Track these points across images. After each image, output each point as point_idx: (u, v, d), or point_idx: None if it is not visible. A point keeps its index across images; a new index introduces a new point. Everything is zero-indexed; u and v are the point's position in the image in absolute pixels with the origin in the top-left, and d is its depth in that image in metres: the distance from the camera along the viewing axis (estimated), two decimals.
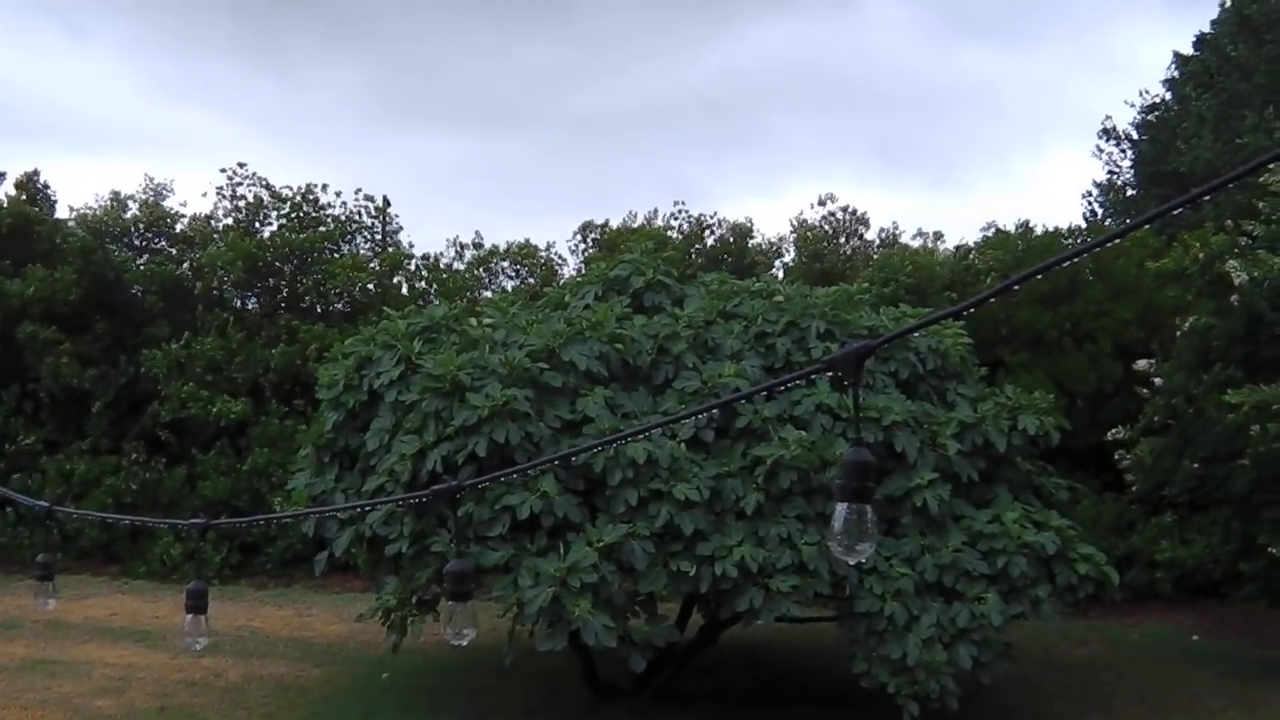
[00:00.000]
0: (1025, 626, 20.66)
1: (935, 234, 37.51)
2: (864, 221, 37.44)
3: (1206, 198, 3.10)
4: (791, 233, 37.38)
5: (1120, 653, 26.00)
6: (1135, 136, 40.81)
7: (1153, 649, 26.33)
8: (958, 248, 34.89)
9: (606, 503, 18.97)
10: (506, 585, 18.23)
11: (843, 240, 37.04)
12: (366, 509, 19.36)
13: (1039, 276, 3.89)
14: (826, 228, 37.17)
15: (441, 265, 40.44)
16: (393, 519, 19.23)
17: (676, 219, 38.61)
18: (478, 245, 41.10)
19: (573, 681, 22.54)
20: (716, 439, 20.00)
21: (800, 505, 19.18)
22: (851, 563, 3.66)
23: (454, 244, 42.11)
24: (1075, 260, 27.71)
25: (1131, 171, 41.20)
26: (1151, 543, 28.45)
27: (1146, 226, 29.59)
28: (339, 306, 38.47)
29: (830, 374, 4.13)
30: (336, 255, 39.17)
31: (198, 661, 24.61)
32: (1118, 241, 30.53)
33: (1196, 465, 24.03)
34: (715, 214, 38.51)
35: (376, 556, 20.32)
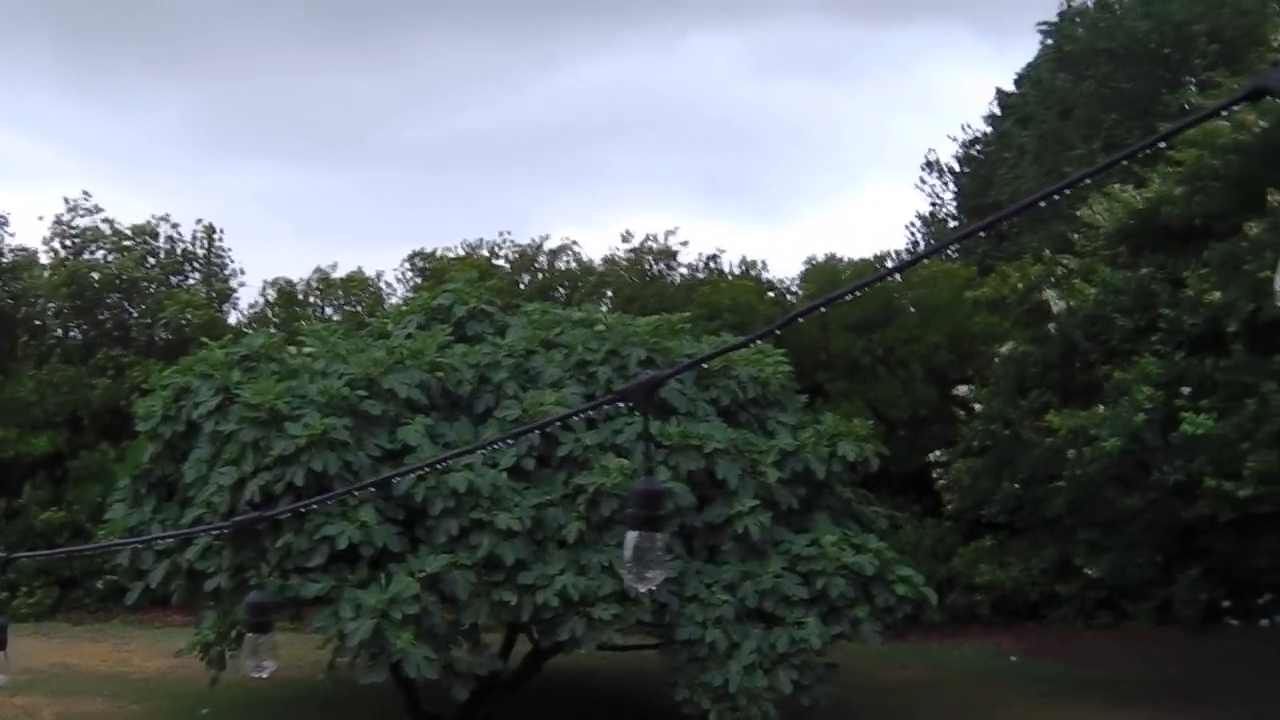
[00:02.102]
0: (847, 649, 20.85)
1: (758, 263, 37.80)
2: (683, 253, 37.74)
3: (1016, 224, 3.14)
4: (613, 264, 37.45)
5: (941, 674, 26.37)
6: (957, 169, 41.62)
7: (972, 670, 26.74)
8: (778, 281, 35.27)
9: (428, 533, 18.82)
10: (327, 617, 18.01)
11: (663, 269, 37.21)
12: (184, 540, 19.03)
13: (847, 298, 3.90)
14: (649, 259, 37.33)
15: (269, 297, 39.88)
16: (210, 552, 18.92)
17: (503, 248, 38.55)
18: (315, 275, 40.58)
19: (396, 713, 22.30)
20: (538, 467, 19.95)
21: (622, 533, 19.11)
22: (643, 590, 3.65)
23: (273, 283, 41.30)
24: (877, 284, 28.12)
25: (954, 203, 41.96)
26: (971, 566, 28.90)
27: (957, 258, 29.99)
28: (167, 338, 37.79)
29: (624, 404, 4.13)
30: (166, 287, 38.50)
31: (10, 701, 23.94)
32: (927, 269, 31.14)
33: (1016, 486, 24.49)
34: (541, 243, 38.46)
35: (195, 589, 19.94)
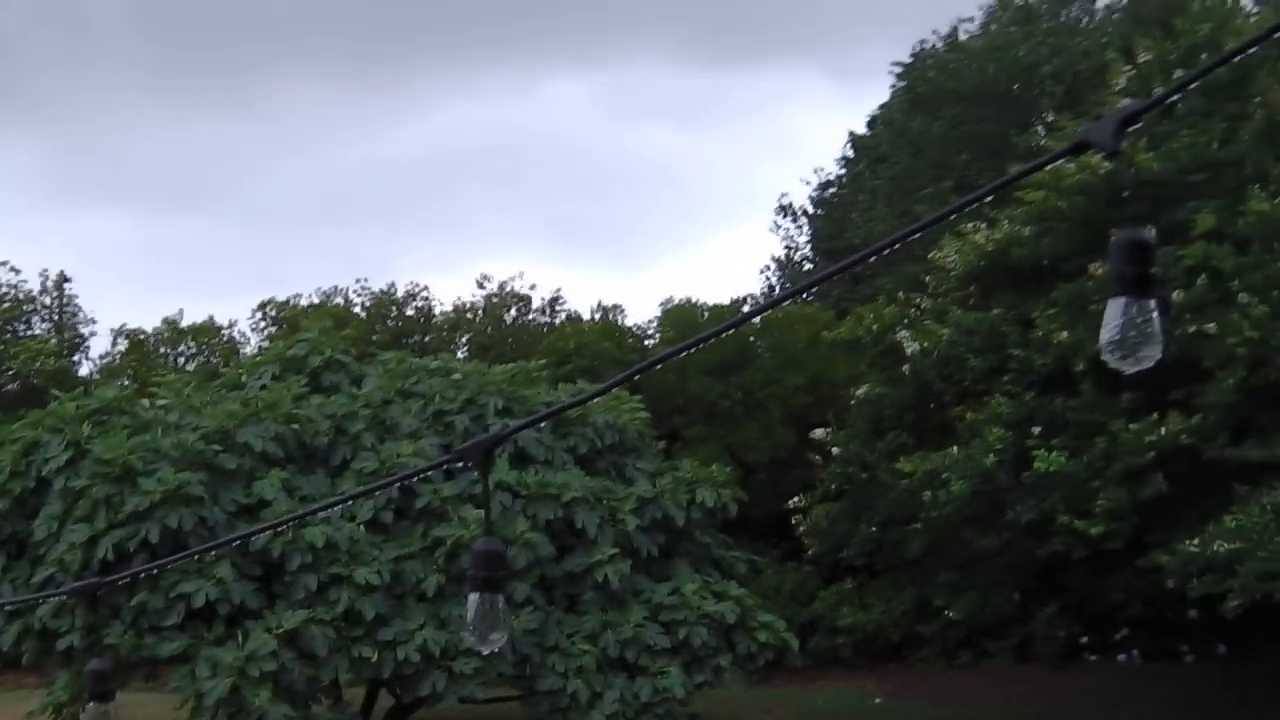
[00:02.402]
0: (711, 696, 20.86)
1: (615, 309, 37.80)
2: (549, 300, 37.64)
3: (870, 267, 3.15)
4: (470, 310, 37.33)
5: (805, 718, 26.42)
6: (811, 212, 41.94)
7: (837, 713, 26.83)
8: (634, 325, 35.32)
9: (286, 588, 18.59)
10: (184, 676, 17.74)
11: (520, 315, 37.14)
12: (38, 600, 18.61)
13: (702, 346, 3.87)
14: (503, 308, 37.22)
15: (121, 347, 39.22)
16: (63, 611, 18.51)
17: (359, 295, 38.24)
18: (164, 325, 39.93)
19: None
20: (396, 520, 19.79)
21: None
22: (485, 652, 3.56)
23: (123, 332, 40.56)
24: (735, 329, 28.28)
25: (809, 246, 42.27)
26: (833, 609, 29.03)
27: (814, 302, 30.24)
28: (14, 389, 36.97)
29: (461, 463, 4.06)
30: (13, 335, 37.71)
31: None
32: (785, 313, 31.37)
33: (874, 529, 24.69)
34: (397, 291, 38.19)
35: (47, 649, 19.48)
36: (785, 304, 34.30)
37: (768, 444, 30.15)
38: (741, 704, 25.52)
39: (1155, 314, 2.85)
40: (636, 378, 28.21)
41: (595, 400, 22.31)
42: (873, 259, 3.49)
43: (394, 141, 67.13)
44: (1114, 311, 2.90)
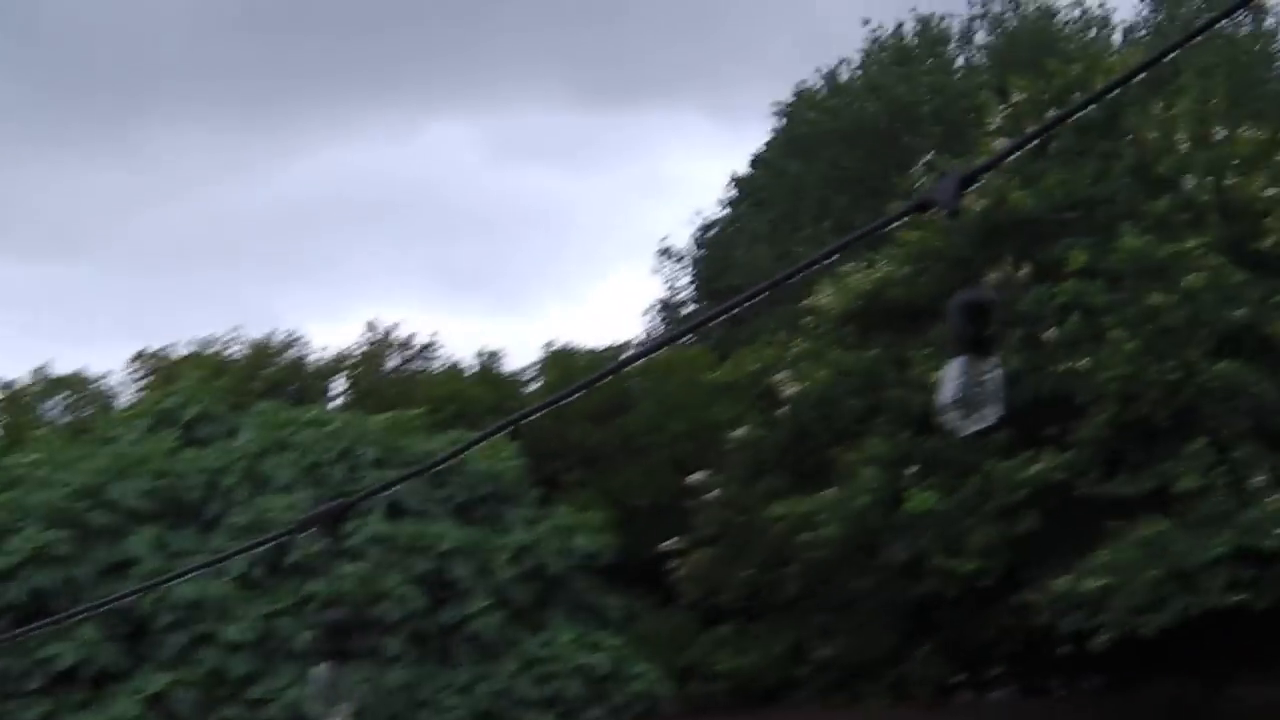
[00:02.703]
0: None
1: (495, 354, 37.56)
2: (423, 346, 37.30)
3: (750, 308, 3.11)
4: (350, 357, 36.93)
5: None
6: (693, 254, 41.96)
7: None
8: (513, 372, 35.16)
9: (153, 648, 18.31)
10: None
11: (400, 364, 36.81)
12: None
13: (580, 395, 3.83)
14: (383, 355, 36.86)
15: None
16: None
17: (237, 345, 37.67)
18: (33, 375, 39.15)
19: None
20: (268, 575, 19.56)
21: (355, 640, 18.86)
22: None
23: None
24: (611, 377, 28.28)
25: (691, 288, 42.29)
26: (710, 654, 28.83)
27: (695, 343, 30.23)
28: None
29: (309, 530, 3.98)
30: None
31: None
32: (666, 356, 31.33)
33: (751, 572, 24.61)
34: (276, 339, 37.64)
35: None
36: (666, 347, 34.36)
37: (649, 489, 30.00)
38: None
39: (995, 372, 2.92)
40: (515, 425, 27.94)
41: (473, 448, 22.13)
42: (763, 294, 3.47)
43: (276, 186, 66.47)
44: (954, 371, 2.93)
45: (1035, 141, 24.05)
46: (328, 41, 58.68)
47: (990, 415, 2.88)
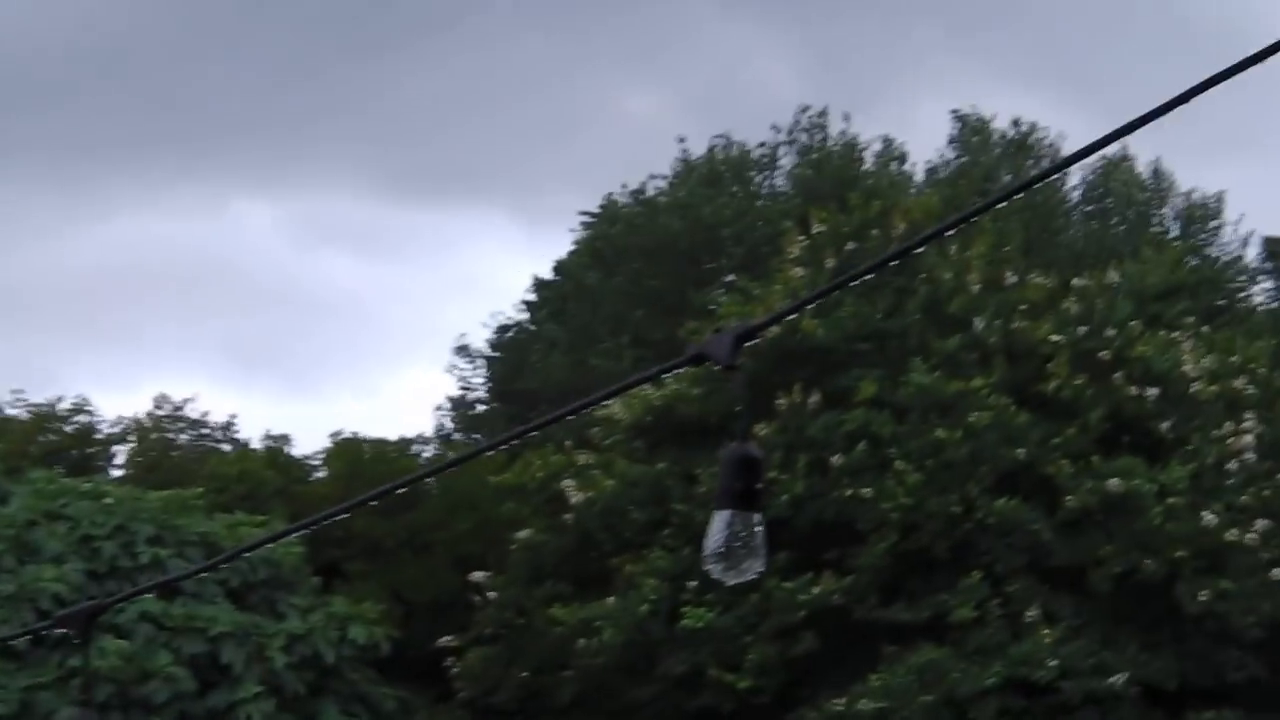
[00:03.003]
0: None
1: (283, 438, 37.03)
2: (210, 425, 36.70)
3: (540, 413, 3.11)
4: (137, 429, 36.16)
5: None
6: (489, 355, 41.95)
7: None
8: (304, 456, 34.72)
9: None
10: None
11: (185, 441, 36.13)
12: None
13: (372, 504, 3.75)
14: (171, 429, 36.18)
15: None
16: None
17: (16, 408, 36.58)
18: None
19: None
20: (31, 647, 18.87)
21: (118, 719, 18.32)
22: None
23: None
24: (416, 482, 28.11)
25: (485, 388, 42.27)
26: None
27: (479, 440, 30.10)
28: None
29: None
30: None
31: None
32: (452, 454, 31.21)
33: (528, 674, 24.46)
34: (60, 405, 36.62)
35: None
36: (458, 444, 34.26)
37: (431, 585, 29.72)
38: None
39: (759, 528, 2.91)
40: (295, 509, 27.90)
41: (253, 533, 21.79)
42: (565, 417, 3.49)
43: (72, 250, 65.13)
44: (719, 524, 2.93)
45: (813, 303, 24.66)
46: (139, 112, 57.74)
47: (751, 570, 2.95)
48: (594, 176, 67.58)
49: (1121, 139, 2.68)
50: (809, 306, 24.02)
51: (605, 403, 25.44)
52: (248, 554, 21.23)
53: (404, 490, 29.58)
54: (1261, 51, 2.72)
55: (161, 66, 56.49)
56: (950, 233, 26.89)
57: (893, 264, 25.35)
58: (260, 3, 54.09)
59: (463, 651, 25.40)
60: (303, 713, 20.01)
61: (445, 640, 25.87)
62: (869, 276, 24.17)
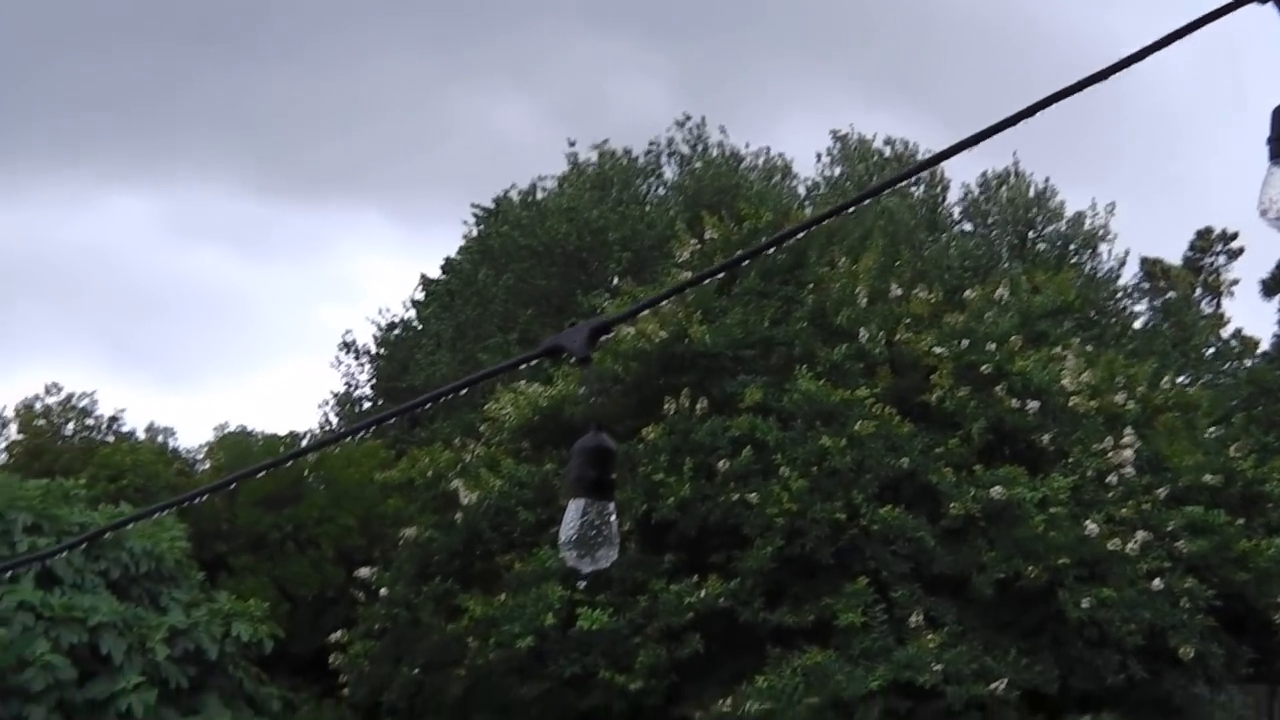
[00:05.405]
0: None
1: (167, 430, 36.73)
2: (91, 414, 36.23)
3: (429, 411, 3.11)
4: (15, 418, 35.64)
5: None
6: (374, 351, 41.83)
7: None
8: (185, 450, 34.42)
9: None
10: None
11: (69, 430, 35.66)
12: None
13: (258, 475, 3.76)
14: (50, 419, 35.67)
15: None
16: None
17: None
18: None
19: None
20: None
21: None
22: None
23: None
24: (290, 461, 27.89)
25: (370, 384, 42.14)
26: None
27: (368, 438, 29.94)
28: None
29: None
30: None
31: None
32: (341, 449, 31.05)
33: (417, 672, 24.35)
34: None
35: None
36: (341, 442, 34.01)
37: (316, 580, 29.58)
38: None
39: (612, 517, 3.04)
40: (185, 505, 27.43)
41: (135, 525, 21.47)
42: (428, 405, 3.53)
43: None
44: (574, 512, 3.06)
45: (680, 292, 24.80)
46: (7, 106, 56.76)
47: (605, 558, 3.07)
48: (468, 183, 67.82)
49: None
50: (696, 313, 24.33)
51: (489, 402, 25.68)
52: (130, 547, 20.83)
53: (288, 481, 29.65)
54: (1105, 69, 2.83)
55: (33, 64, 55.76)
56: (830, 229, 27.31)
57: (779, 275, 25.94)
58: (138, 9, 53.65)
59: (347, 647, 25.26)
60: (185, 707, 19.74)
61: (334, 637, 25.71)
62: (749, 280, 24.54)
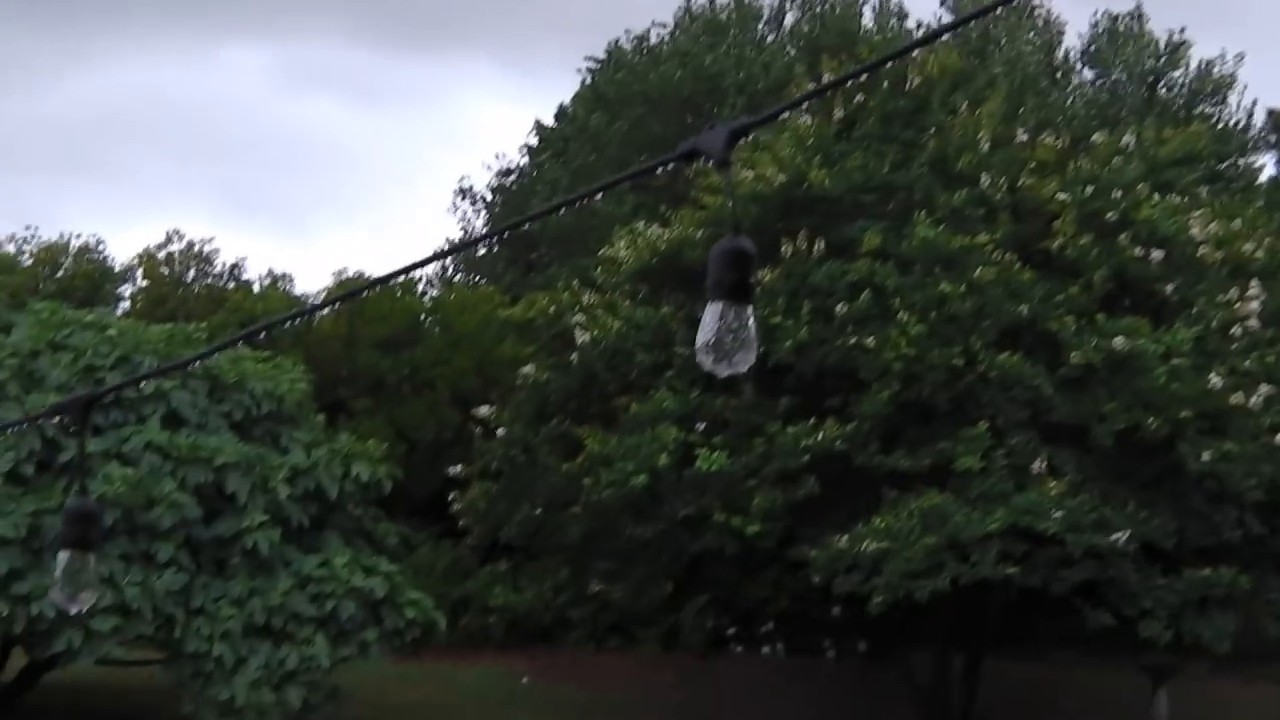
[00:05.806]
0: (358, 668, 20.58)
1: (285, 276, 37.10)
2: (212, 262, 36.71)
3: (545, 255, 3.09)
4: (140, 266, 36.19)
5: (451, 695, 26.40)
6: (490, 198, 41.89)
7: (483, 691, 26.90)
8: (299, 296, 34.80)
9: None
10: None
11: (190, 278, 36.15)
12: None
13: (364, 295, 3.77)
14: (175, 266, 36.17)
15: None
16: None
17: (28, 244, 36.61)
18: None
19: None
20: (38, 473, 18.99)
21: (124, 544, 18.45)
22: (73, 611, 3.40)
23: None
24: (408, 303, 27.93)
25: (486, 229, 42.32)
26: (486, 588, 29.12)
27: (483, 281, 29.98)
28: None
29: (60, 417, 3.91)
30: None
31: None
32: (457, 294, 31.24)
33: (537, 511, 24.67)
34: (69, 241, 36.63)
35: None
36: (459, 285, 34.25)
37: (433, 422, 29.95)
38: (389, 678, 25.23)
39: (750, 321, 3.01)
40: (304, 348, 27.98)
41: (256, 366, 21.83)
42: (549, 249, 3.49)
43: (62, 96, 64.68)
44: (711, 316, 3.04)
45: (810, 99, 24.37)
46: None
47: (743, 362, 2.99)
48: (580, 30, 67.22)
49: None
50: (815, 158, 24.05)
51: (604, 248, 25.64)
52: (252, 388, 21.20)
53: (405, 325, 29.91)
54: None
55: None
56: (954, 75, 26.77)
57: (900, 119, 25.52)
58: None
59: (466, 486, 25.61)
60: (307, 544, 20.16)
61: (453, 470, 26.01)
62: (869, 124, 24.18)
